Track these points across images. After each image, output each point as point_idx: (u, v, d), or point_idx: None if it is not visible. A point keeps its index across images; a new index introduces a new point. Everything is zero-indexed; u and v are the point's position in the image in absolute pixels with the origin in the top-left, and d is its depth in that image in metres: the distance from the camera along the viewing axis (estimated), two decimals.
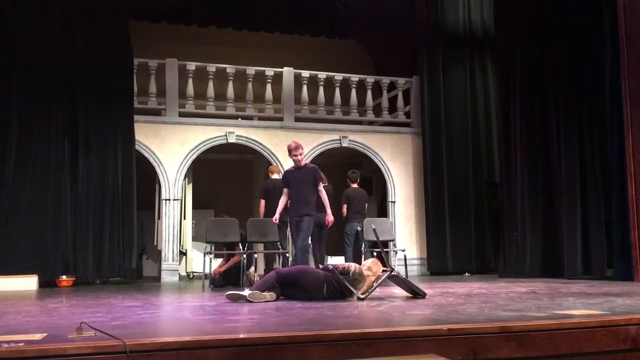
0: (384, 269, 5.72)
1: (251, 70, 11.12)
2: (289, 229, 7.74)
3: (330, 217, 7.56)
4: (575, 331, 3.32)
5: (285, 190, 7.40)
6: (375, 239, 6.63)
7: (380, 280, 5.62)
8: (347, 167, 10.43)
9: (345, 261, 8.79)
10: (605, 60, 8.12)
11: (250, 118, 11.16)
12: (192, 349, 2.82)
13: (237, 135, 10.78)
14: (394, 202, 11.53)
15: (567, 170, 8.82)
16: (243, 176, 12.81)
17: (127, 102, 9.96)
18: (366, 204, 9.70)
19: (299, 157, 7.35)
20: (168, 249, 10.24)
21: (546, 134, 9.23)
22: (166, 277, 10.09)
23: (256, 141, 10.90)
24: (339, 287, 5.40)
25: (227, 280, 8.09)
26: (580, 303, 4.67)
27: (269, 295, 5.43)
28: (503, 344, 3.18)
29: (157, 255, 11.23)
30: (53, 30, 9.43)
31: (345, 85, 11.74)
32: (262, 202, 8.99)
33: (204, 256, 8.39)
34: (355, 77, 11.79)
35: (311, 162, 10.96)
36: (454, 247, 11.12)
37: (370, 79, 11.98)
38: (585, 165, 8.73)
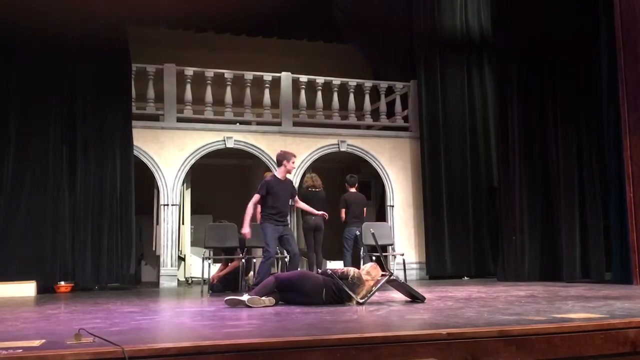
0: (383, 273, 5.72)
1: (249, 75, 11.13)
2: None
3: (324, 215, 7.84)
4: (574, 335, 3.32)
5: (258, 196, 7.06)
6: (374, 243, 6.63)
7: (379, 285, 5.62)
8: (345, 172, 10.44)
9: (344, 266, 8.78)
10: (602, 62, 8.14)
11: (248, 123, 11.16)
12: (190, 355, 2.81)
13: (235, 140, 10.79)
14: (393, 206, 11.53)
15: (565, 173, 8.84)
16: (241, 181, 12.80)
17: (125, 108, 9.96)
18: (365, 209, 9.70)
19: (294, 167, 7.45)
20: (167, 254, 10.22)
21: (544, 137, 9.25)
22: (165, 283, 10.07)
23: (254, 146, 10.90)
24: (338, 292, 5.40)
25: (226, 285, 8.08)
26: (579, 306, 4.66)
27: (268, 300, 5.43)
28: (502, 348, 3.18)
29: (155, 261, 11.21)
30: (51, 36, 9.42)
31: (343, 89, 11.75)
32: (259, 207, 8.98)
33: (203, 261, 8.38)
34: (353, 82, 11.81)
35: (310, 166, 11.04)
36: (452, 251, 11.12)
37: (368, 84, 11.99)
38: (584, 168, 8.74)
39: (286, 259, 7.63)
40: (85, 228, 9.33)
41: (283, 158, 7.22)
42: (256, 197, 7.10)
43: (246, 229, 7.14)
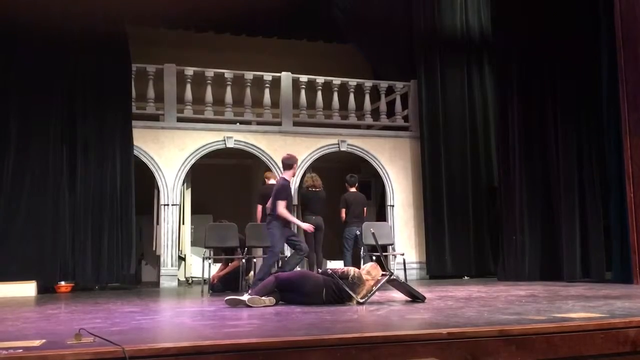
0: (383, 273, 5.72)
1: (249, 75, 11.13)
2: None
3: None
4: (574, 334, 3.32)
5: (286, 202, 7.11)
6: (374, 243, 6.63)
7: (379, 285, 5.62)
8: (345, 172, 10.43)
9: (345, 265, 8.78)
10: (602, 61, 8.14)
11: (248, 123, 11.16)
12: (191, 355, 2.81)
13: (235, 140, 10.78)
14: (393, 206, 11.52)
15: (565, 173, 8.84)
16: (241, 181, 12.81)
17: (125, 108, 9.96)
18: (365, 208, 9.69)
19: None
20: (167, 254, 10.22)
21: (544, 137, 9.25)
22: (165, 283, 10.07)
23: (254, 146, 10.89)
24: (338, 292, 5.40)
25: (226, 285, 8.08)
26: (579, 306, 4.66)
27: (268, 300, 5.43)
28: (502, 347, 3.18)
29: (156, 261, 11.22)
30: (52, 36, 9.43)
31: (343, 89, 11.75)
32: (259, 207, 9.00)
33: (203, 261, 8.38)
34: (353, 82, 11.81)
35: (310, 166, 11.04)
36: (453, 250, 11.11)
37: (369, 83, 11.99)
38: (584, 168, 8.74)
39: (285, 258, 7.68)
40: (85, 228, 9.33)
41: (293, 162, 7.35)
42: (285, 203, 7.11)
43: (304, 224, 7.59)
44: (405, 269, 8.98)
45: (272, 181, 9.54)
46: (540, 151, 9.30)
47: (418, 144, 11.63)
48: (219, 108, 10.98)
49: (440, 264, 11.05)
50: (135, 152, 10.04)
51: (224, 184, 12.65)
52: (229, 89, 11.01)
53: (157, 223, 10.65)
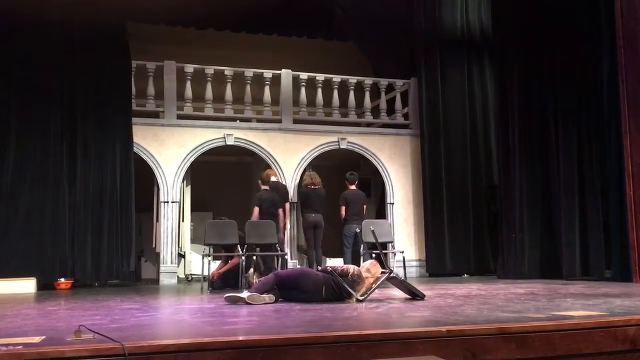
0: (383, 270, 5.73)
1: (249, 72, 11.12)
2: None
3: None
4: (573, 332, 3.32)
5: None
6: (374, 240, 6.63)
7: (379, 282, 5.63)
8: (345, 169, 10.42)
9: (344, 263, 8.79)
10: (603, 61, 8.14)
11: (248, 120, 11.15)
12: (190, 352, 2.82)
13: (235, 138, 10.78)
14: (393, 203, 11.52)
15: (565, 171, 8.84)
16: (241, 178, 12.80)
17: (125, 105, 9.94)
18: (365, 206, 9.70)
19: None
20: (167, 251, 10.22)
21: (544, 135, 9.25)
22: (165, 280, 10.07)
23: (254, 143, 10.89)
24: (338, 289, 5.41)
25: (226, 282, 8.09)
26: (578, 304, 4.67)
27: (268, 297, 5.43)
28: (502, 345, 3.18)
29: (155, 258, 11.22)
30: (52, 33, 9.42)
31: (343, 87, 11.74)
32: (258, 207, 8.98)
33: (203, 258, 8.38)
34: (353, 79, 11.80)
35: (309, 164, 11.06)
36: (452, 248, 11.11)
37: (369, 81, 11.98)
38: (584, 166, 8.74)
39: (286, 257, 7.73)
40: (85, 225, 9.32)
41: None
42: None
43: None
44: (404, 267, 8.98)
45: (273, 179, 9.55)
46: (540, 149, 9.30)
47: (418, 141, 11.62)
48: (219, 105, 10.97)
49: (440, 261, 11.05)
50: (135, 149, 10.03)
51: (224, 181, 12.64)
52: (229, 86, 11.00)
53: (157, 220, 10.65)
